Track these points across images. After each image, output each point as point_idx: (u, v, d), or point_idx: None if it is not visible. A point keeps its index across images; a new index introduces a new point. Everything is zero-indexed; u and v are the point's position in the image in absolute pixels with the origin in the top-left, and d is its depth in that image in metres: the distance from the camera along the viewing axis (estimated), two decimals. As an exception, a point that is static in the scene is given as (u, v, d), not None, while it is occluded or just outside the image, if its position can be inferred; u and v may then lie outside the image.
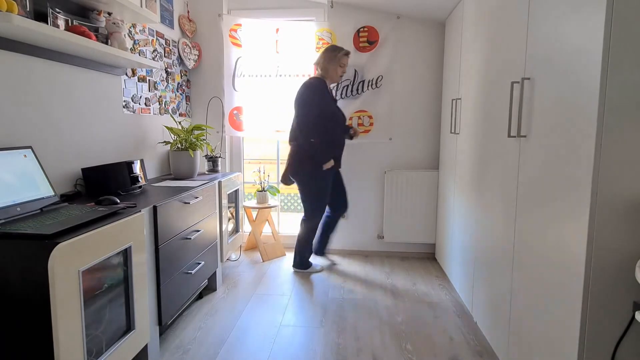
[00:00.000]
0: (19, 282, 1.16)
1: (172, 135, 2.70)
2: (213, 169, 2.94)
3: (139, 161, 2.12)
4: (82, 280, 1.25)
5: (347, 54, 2.73)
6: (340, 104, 3.07)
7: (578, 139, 1.14)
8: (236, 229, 3.03)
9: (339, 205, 3.02)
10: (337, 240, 3.42)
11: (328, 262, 3.15)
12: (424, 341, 2.02)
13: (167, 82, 2.87)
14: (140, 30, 2.48)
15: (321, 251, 3.14)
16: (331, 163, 2.70)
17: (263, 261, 3.19)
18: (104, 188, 1.88)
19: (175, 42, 2.98)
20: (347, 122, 2.95)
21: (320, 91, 2.67)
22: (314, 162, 2.70)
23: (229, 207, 2.82)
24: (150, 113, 2.64)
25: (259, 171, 3.38)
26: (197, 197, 2.17)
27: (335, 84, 2.75)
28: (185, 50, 3.07)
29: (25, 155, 1.50)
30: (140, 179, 2.07)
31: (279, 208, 3.69)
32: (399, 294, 2.58)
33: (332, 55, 2.70)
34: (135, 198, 1.88)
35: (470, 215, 2.23)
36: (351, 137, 2.96)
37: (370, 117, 3.24)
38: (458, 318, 2.26)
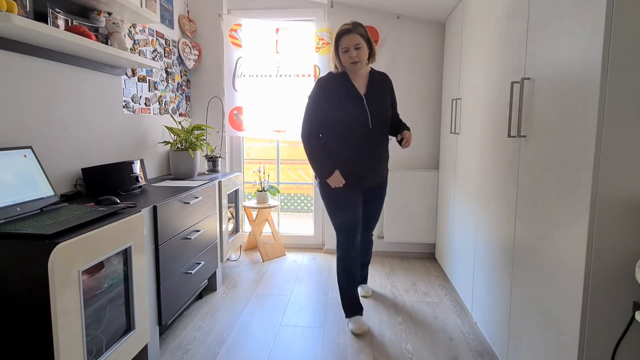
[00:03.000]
0: (19, 282, 1.16)
1: (172, 135, 2.70)
2: (213, 169, 2.94)
3: (139, 161, 2.12)
4: (82, 280, 1.25)
5: (341, 33, 2.02)
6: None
7: (578, 139, 1.14)
8: (236, 229, 3.03)
9: (362, 229, 2.35)
10: (337, 240, 3.41)
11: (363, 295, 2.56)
12: (423, 341, 2.02)
13: (167, 82, 2.87)
14: (140, 30, 2.48)
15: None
16: (336, 180, 2.07)
17: (263, 261, 3.19)
18: (104, 188, 1.88)
19: (175, 42, 2.98)
20: (401, 134, 2.13)
21: (319, 87, 2.10)
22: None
23: (229, 207, 2.82)
24: (150, 113, 2.64)
25: (259, 171, 3.38)
26: (197, 197, 2.17)
27: (353, 71, 2.06)
28: (185, 50, 3.07)
29: (25, 155, 1.50)
30: (140, 179, 2.07)
31: (279, 208, 3.69)
32: (399, 294, 2.58)
33: (334, 43, 2.09)
34: (135, 198, 1.88)
35: (470, 215, 2.23)
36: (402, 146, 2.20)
37: (370, 117, 3.24)
38: (458, 318, 2.26)
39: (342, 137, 2.07)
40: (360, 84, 2.10)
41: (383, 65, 3.17)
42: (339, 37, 2.03)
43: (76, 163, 1.95)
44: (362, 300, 2.48)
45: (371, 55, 2.09)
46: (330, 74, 2.13)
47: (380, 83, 2.16)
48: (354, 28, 2.01)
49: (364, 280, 2.62)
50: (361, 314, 2.20)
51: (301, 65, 3.23)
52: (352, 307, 2.19)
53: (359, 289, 2.53)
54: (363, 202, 2.26)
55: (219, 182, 2.58)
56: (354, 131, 2.06)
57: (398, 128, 2.24)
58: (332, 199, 2.15)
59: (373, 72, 2.17)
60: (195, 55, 3.19)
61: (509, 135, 1.59)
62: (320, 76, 2.21)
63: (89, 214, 1.43)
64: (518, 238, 1.55)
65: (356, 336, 2.07)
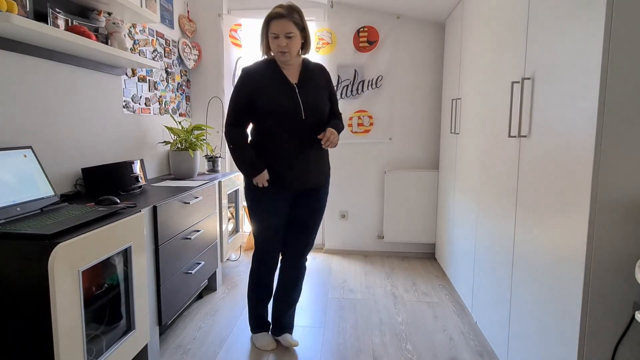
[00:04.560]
0: (19, 282, 1.16)
1: (172, 135, 2.70)
2: (213, 169, 2.94)
3: (139, 161, 2.12)
4: (82, 280, 1.25)
5: (272, 17, 1.77)
6: (340, 103, 3.01)
7: (578, 139, 1.14)
8: (236, 229, 3.03)
9: (286, 248, 2.00)
10: (337, 240, 3.42)
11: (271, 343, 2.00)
12: (424, 341, 2.02)
13: (167, 82, 2.87)
14: (140, 30, 2.48)
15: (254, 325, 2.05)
16: (263, 178, 1.82)
17: (263, 261, 3.18)
18: (104, 188, 1.88)
19: (175, 42, 2.98)
20: (324, 133, 1.81)
21: (244, 75, 1.85)
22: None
23: (229, 207, 2.82)
24: (150, 113, 2.64)
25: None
26: (197, 197, 2.17)
27: (281, 61, 1.82)
28: (185, 50, 3.07)
29: (25, 155, 1.50)
30: (140, 179, 2.07)
31: (279, 208, 3.68)
32: (399, 294, 2.58)
33: (263, 26, 1.82)
34: (135, 198, 1.88)
35: (470, 215, 2.23)
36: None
37: (370, 117, 3.24)
38: (458, 318, 2.26)
39: (271, 130, 1.83)
40: (292, 73, 1.86)
41: (383, 65, 3.17)
42: (269, 20, 1.78)
43: (76, 163, 1.95)
44: (364, 300, 2.46)
45: (305, 45, 1.86)
46: (256, 62, 1.90)
47: (315, 73, 1.91)
48: (287, 13, 1.75)
49: (286, 329, 2.03)
50: (267, 331, 2.02)
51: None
52: (257, 323, 2.02)
53: (280, 339, 2.01)
54: (296, 210, 1.95)
55: (219, 182, 2.58)
56: (284, 123, 1.81)
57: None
58: (256, 202, 1.90)
59: (307, 62, 1.92)
60: (195, 55, 3.19)
61: (509, 135, 1.59)
62: (245, 64, 1.93)
63: (89, 214, 1.43)
64: (518, 238, 1.55)
65: (265, 352, 1.93)
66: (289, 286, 2.02)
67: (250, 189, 1.90)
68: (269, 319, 2.06)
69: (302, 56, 1.92)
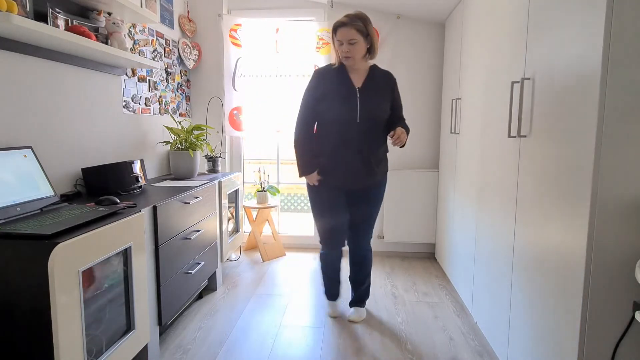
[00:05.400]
0: (19, 282, 1.16)
1: (172, 135, 2.70)
2: (213, 169, 2.94)
3: (139, 161, 2.12)
4: (82, 280, 1.25)
5: (336, 26, 1.95)
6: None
7: (578, 139, 1.14)
8: (236, 229, 3.03)
9: (349, 237, 2.24)
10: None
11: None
12: (424, 341, 2.02)
13: (167, 82, 2.87)
14: (140, 30, 2.48)
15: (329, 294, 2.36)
16: (312, 179, 2.06)
17: (263, 261, 3.19)
18: (104, 188, 1.88)
19: (175, 42, 2.98)
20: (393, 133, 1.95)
21: (313, 77, 2.05)
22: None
23: (229, 207, 2.82)
24: (150, 113, 2.64)
25: (259, 171, 3.38)
26: (197, 197, 2.17)
27: (348, 65, 1.99)
28: (185, 50, 3.07)
29: (25, 155, 1.50)
30: (140, 179, 2.07)
31: (279, 208, 3.69)
32: (399, 294, 2.58)
33: (331, 34, 2.02)
34: (135, 198, 1.88)
35: (470, 215, 2.22)
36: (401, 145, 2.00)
37: (370, 117, 3.24)
38: (458, 318, 2.26)
39: (329, 130, 2.01)
40: (357, 78, 2.02)
41: (383, 65, 3.15)
42: (335, 29, 1.96)
43: (76, 163, 1.95)
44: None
45: (371, 50, 1.99)
46: (329, 65, 2.07)
47: (381, 80, 2.06)
48: (350, 21, 1.91)
49: (358, 302, 2.29)
50: (335, 300, 2.36)
51: (301, 65, 3.23)
52: (329, 294, 2.35)
53: (350, 311, 2.28)
54: (350, 205, 2.14)
55: (219, 182, 2.58)
56: (340, 125, 1.98)
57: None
58: (312, 198, 2.16)
59: (374, 68, 2.08)
60: (195, 55, 3.19)
61: (509, 135, 1.59)
62: (319, 67, 2.09)
63: (89, 214, 1.43)
64: (518, 238, 1.55)
65: (331, 318, 2.27)
66: (355, 268, 2.28)
67: (308, 188, 2.16)
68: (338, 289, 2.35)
69: (371, 62, 2.09)
